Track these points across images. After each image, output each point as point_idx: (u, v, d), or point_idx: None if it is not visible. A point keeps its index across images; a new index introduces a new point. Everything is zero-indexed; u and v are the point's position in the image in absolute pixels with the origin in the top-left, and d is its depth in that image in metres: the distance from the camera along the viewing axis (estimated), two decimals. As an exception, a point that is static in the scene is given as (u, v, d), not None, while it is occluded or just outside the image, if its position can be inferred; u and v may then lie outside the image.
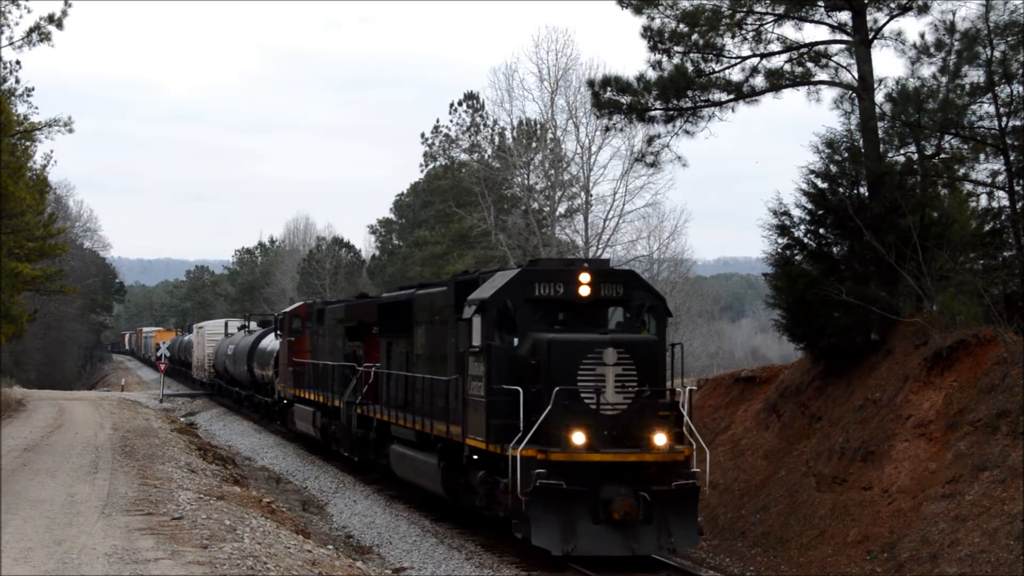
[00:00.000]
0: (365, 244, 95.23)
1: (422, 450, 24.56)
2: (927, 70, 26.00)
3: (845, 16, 27.04)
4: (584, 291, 20.60)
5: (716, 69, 28.19)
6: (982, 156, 25.99)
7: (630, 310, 20.92)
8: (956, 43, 25.31)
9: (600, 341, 19.42)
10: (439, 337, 23.82)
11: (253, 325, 59.73)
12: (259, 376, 50.57)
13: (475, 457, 21.08)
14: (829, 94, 27.68)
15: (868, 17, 26.78)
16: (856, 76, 26.90)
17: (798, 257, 26.25)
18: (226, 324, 67.80)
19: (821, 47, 27.84)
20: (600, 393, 19.20)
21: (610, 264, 23.08)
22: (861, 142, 26.06)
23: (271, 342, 47.76)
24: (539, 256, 47.95)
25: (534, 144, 55.44)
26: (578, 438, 19.00)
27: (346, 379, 32.36)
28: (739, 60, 28.03)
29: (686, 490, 19.38)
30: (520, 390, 19.31)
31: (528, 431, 19.00)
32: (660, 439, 19.33)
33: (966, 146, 25.99)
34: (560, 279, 20.65)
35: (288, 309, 44.24)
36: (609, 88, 28.78)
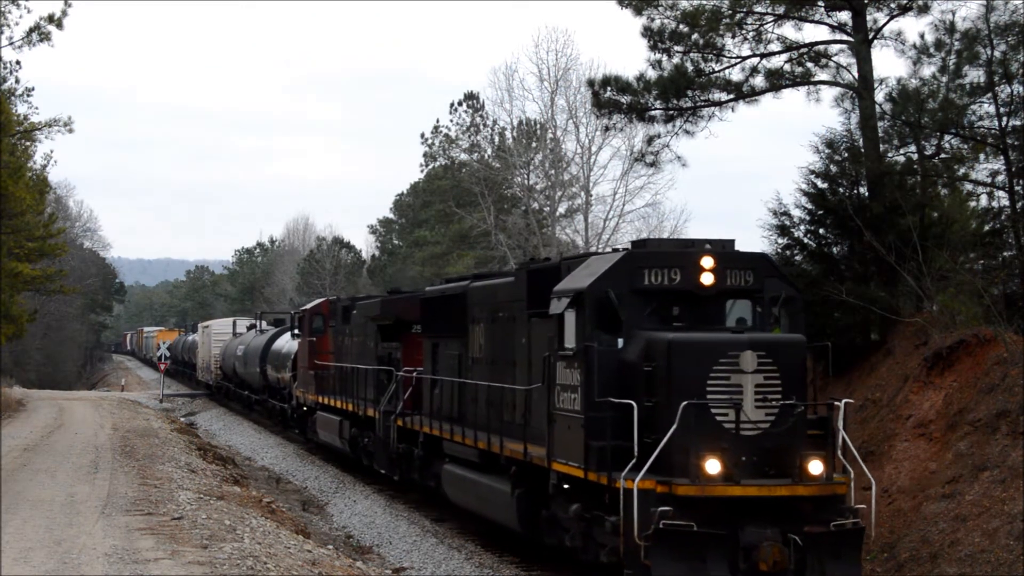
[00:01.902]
0: (365, 244, 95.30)
1: (487, 473, 20.69)
2: (927, 70, 26.05)
3: (845, 16, 27.06)
4: (706, 279, 16.64)
5: (716, 69, 28.22)
6: (982, 156, 26.02)
7: (760, 303, 17.10)
8: (956, 43, 25.33)
9: (736, 342, 15.58)
10: (504, 337, 20.56)
11: (263, 324, 56.57)
12: (273, 379, 47.15)
13: (565, 486, 17.22)
14: (829, 94, 27.74)
15: (868, 17, 26.80)
16: (856, 76, 26.92)
17: (798, 257, 26.27)
18: (234, 323, 65.22)
19: (821, 47, 27.89)
20: (738, 408, 15.36)
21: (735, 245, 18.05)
22: (861, 142, 26.07)
23: (286, 342, 44.75)
24: (539, 256, 47.98)
25: (534, 144, 55.44)
26: (712, 466, 15.05)
27: (381, 385, 28.65)
28: (739, 60, 28.06)
29: (848, 533, 15.32)
30: (634, 404, 15.38)
31: (646, 457, 15.16)
32: (816, 467, 15.35)
33: (966, 146, 26.00)
34: (676, 264, 16.65)
35: (308, 306, 40.23)
36: (609, 88, 28.80)
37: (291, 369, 42.35)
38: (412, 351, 27.27)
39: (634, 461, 15.20)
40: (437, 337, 24.45)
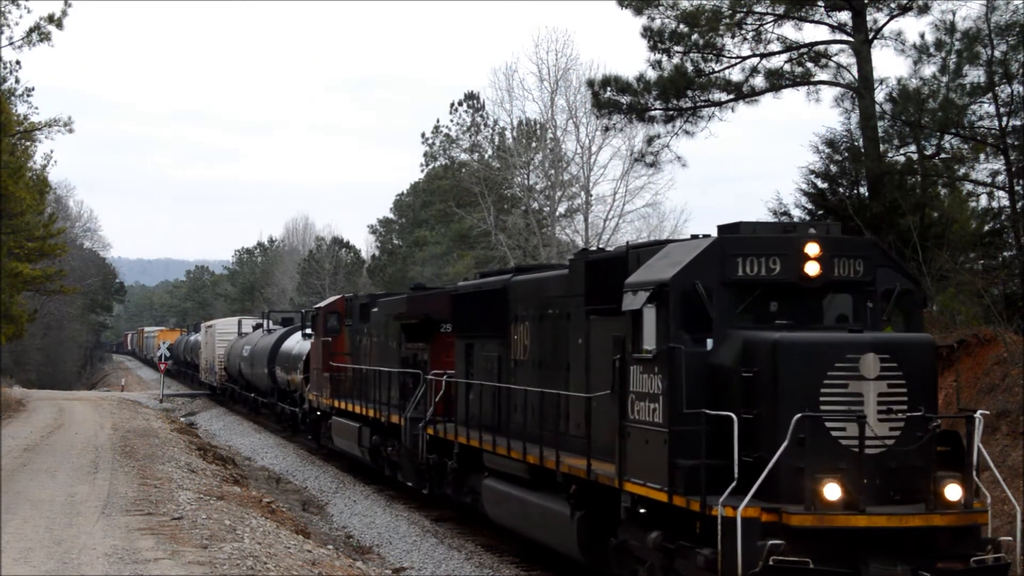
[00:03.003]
0: (365, 244, 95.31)
1: (539, 491, 18.36)
2: (928, 70, 26.10)
3: (845, 16, 27.09)
4: (811, 269, 14.25)
5: (716, 69, 28.26)
6: (982, 156, 26.04)
7: (871, 297, 14.66)
8: (956, 43, 25.36)
9: (856, 343, 13.32)
10: (555, 337, 18.54)
11: (269, 324, 54.16)
12: (283, 382, 44.94)
13: (641, 511, 14.89)
14: (829, 94, 27.81)
15: (868, 17, 26.85)
16: (856, 76, 26.94)
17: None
18: (239, 322, 63.37)
19: (821, 47, 27.92)
20: (861, 422, 12.93)
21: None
22: (861, 142, 26.10)
23: (297, 343, 42.88)
24: (540, 256, 48.02)
25: (534, 144, 55.47)
26: (831, 491, 12.79)
27: (406, 389, 26.52)
28: (739, 60, 28.11)
29: (990, 570, 13.11)
30: (733, 417, 13.12)
31: (748, 479, 12.94)
32: (953, 491, 13.12)
33: (966, 146, 26.02)
34: (775, 251, 14.27)
35: (322, 304, 37.29)
36: (609, 88, 28.83)
37: (303, 371, 40.33)
38: (441, 352, 25.29)
39: (734, 484, 12.97)
40: (472, 337, 22.36)
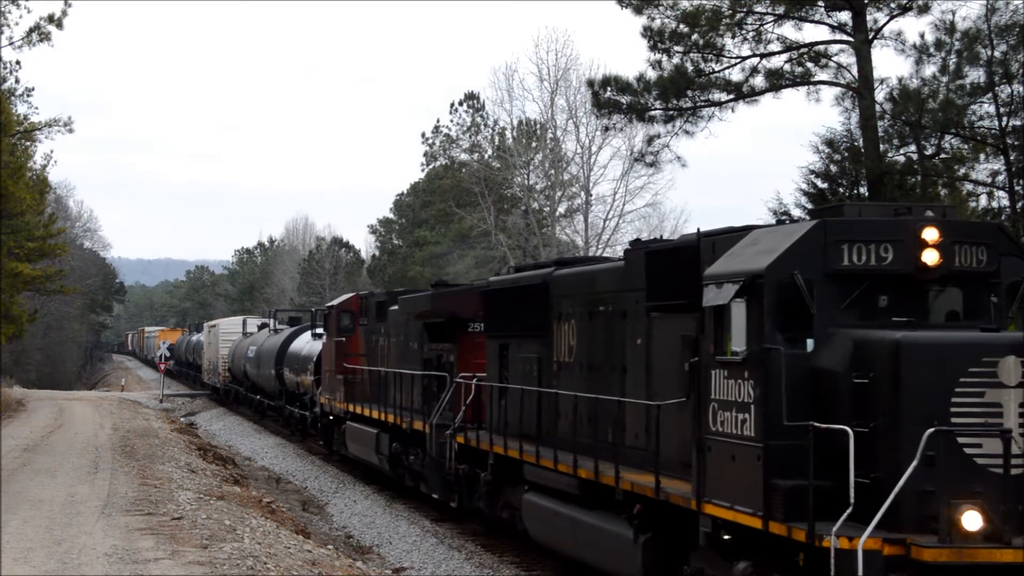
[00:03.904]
0: (365, 244, 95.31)
1: (592, 509, 16.39)
2: (928, 70, 26.12)
3: (845, 16, 27.10)
4: (929, 257, 12.23)
5: (716, 69, 28.26)
6: (982, 156, 26.05)
7: (994, 290, 12.59)
8: (956, 43, 25.37)
9: (993, 344, 11.36)
10: (608, 337, 16.90)
11: (275, 324, 52.89)
12: (292, 384, 43.12)
13: (725, 536, 13.00)
14: (829, 94, 27.81)
15: (868, 17, 26.84)
16: (856, 76, 26.95)
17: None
18: (244, 322, 61.90)
19: (821, 47, 27.93)
20: (1005, 437, 11.01)
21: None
22: (861, 142, 26.10)
23: (307, 343, 41.20)
24: (540, 256, 48.01)
25: (534, 144, 55.50)
26: (971, 520, 10.84)
27: (429, 393, 24.77)
28: (739, 60, 28.11)
29: None
30: (849, 431, 11.18)
31: (865, 503, 11.12)
32: None
33: (966, 146, 26.03)
34: (887, 237, 12.28)
35: (335, 302, 35.35)
36: (609, 88, 28.84)
37: (313, 373, 38.49)
38: (469, 353, 23.63)
39: (850, 510, 11.12)
40: (507, 337, 20.66)
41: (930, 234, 12.26)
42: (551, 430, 18.20)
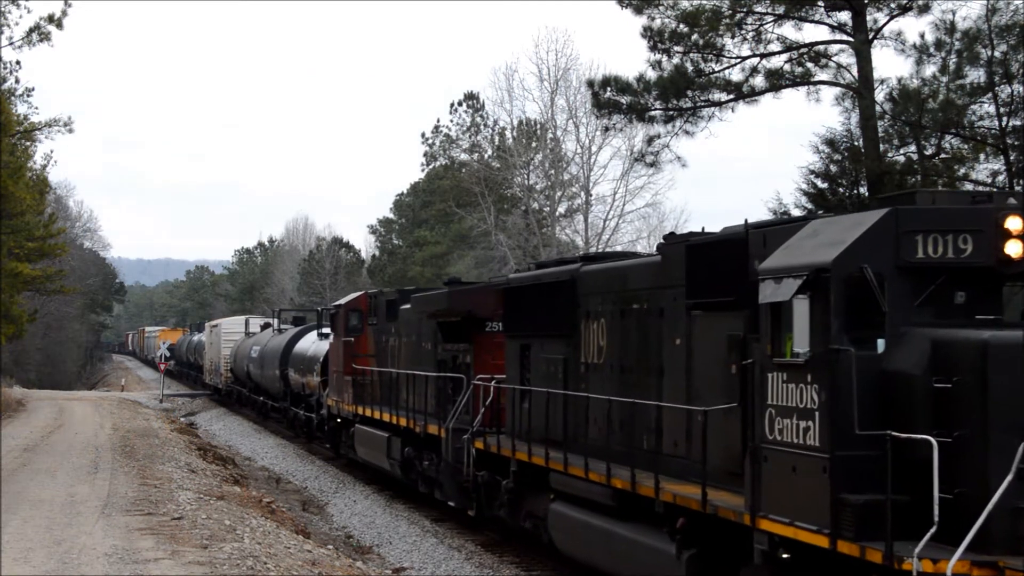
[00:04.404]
0: (365, 244, 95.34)
1: (628, 521, 15.34)
2: (928, 70, 26.13)
3: (845, 16, 27.10)
4: (1014, 249, 11.21)
5: (716, 69, 28.26)
6: (982, 156, 26.05)
7: None
8: (956, 43, 25.37)
9: None
10: (643, 336, 15.86)
11: (277, 324, 51.56)
12: (297, 385, 42.08)
13: (784, 555, 11.94)
14: (829, 94, 27.82)
15: (868, 17, 26.85)
16: (856, 76, 26.96)
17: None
18: (247, 321, 61.51)
19: (821, 47, 27.93)
20: None
21: None
22: (861, 142, 26.10)
23: (312, 343, 40.26)
24: (540, 256, 48.01)
25: (534, 144, 55.51)
26: None
27: (443, 396, 23.78)
28: (739, 60, 28.11)
29: None
30: (933, 441, 10.19)
31: (948, 522, 10.21)
32: None
33: (966, 146, 26.03)
34: (966, 227, 11.23)
35: (343, 301, 34.30)
36: (609, 88, 28.84)
37: (320, 373, 37.45)
38: (486, 354, 22.73)
39: (934, 529, 10.11)
40: (528, 336, 19.66)
41: (1014, 223, 11.18)
42: (579, 436, 17.10)
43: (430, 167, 72.32)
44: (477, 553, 21.21)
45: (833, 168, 25.84)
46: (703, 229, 15.36)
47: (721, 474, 13.20)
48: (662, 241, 15.70)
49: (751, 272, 12.43)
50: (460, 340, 23.72)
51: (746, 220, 13.53)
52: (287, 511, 24.61)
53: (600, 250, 48.43)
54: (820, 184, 25.82)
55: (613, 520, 15.64)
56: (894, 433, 10.40)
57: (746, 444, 12.36)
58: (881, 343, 11.14)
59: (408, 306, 27.90)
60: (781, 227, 12.90)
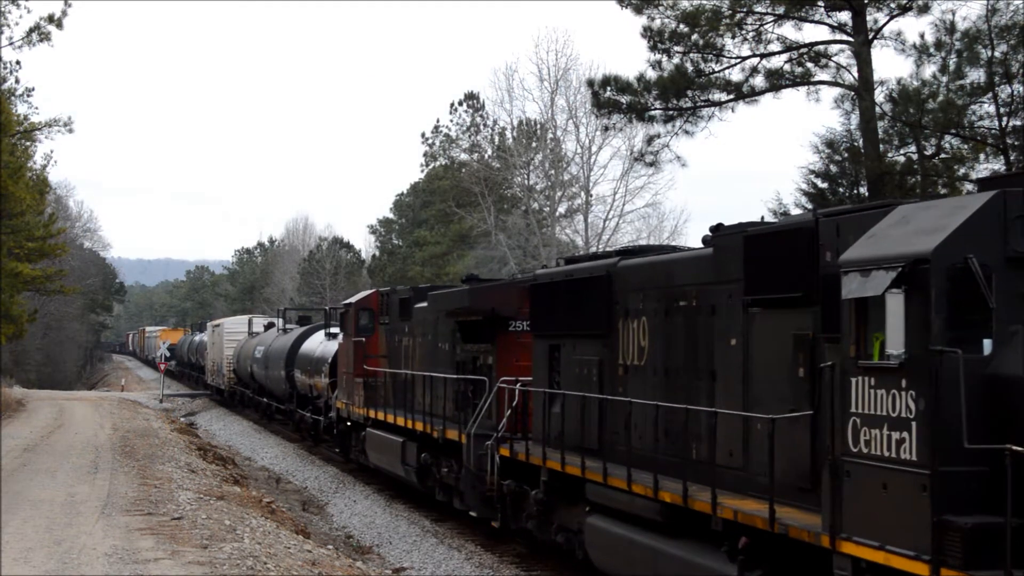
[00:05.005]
0: (365, 244, 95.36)
1: (678, 539, 13.95)
2: (928, 70, 26.16)
3: (845, 16, 27.12)
4: None
5: (716, 69, 28.29)
6: (982, 156, 26.06)
7: None
8: (956, 43, 25.39)
9: None
10: (691, 336, 14.55)
11: (281, 323, 50.64)
12: (303, 386, 40.59)
13: None
14: (829, 94, 27.88)
15: (868, 17, 26.87)
16: (856, 76, 26.98)
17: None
18: (250, 321, 59.94)
19: (821, 47, 27.95)
20: None
21: None
22: (861, 142, 26.12)
23: (320, 343, 38.96)
24: (540, 256, 48.04)
25: (534, 144, 55.50)
26: None
27: (463, 399, 22.62)
28: (739, 60, 28.15)
29: None
30: None
31: None
32: None
33: (966, 146, 26.04)
34: None
35: (353, 300, 32.68)
36: (609, 88, 28.87)
37: (328, 375, 36.01)
38: (509, 355, 21.61)
39: None
40: (559, 336, 18.35)
41: None
42: (617, 443, 15.81)
43: (430, 167, 72.29)
44: (477, 553, 21.20)
45: (833, 168, 25.87)
46: (813, 207, 13.44)
47: (785, 488, 11.91)
48: (708, 233, 14.39)
49: (823, 264, 11.40)
50: (481, 340, 22.53)
51: (815, 208, 12.36)
52: (287, 511, 24.61)
53: (598, 250, 48.46)
54: (820, 184, 25.84)
55: (660, 537, 14.24)
56: (1015, 448, 9.04)
57: (816, 456, 11.28)
58: (988, 343, 9.83)
59: (423, 304, 26.53)
60: (856, 214, 11.60)
